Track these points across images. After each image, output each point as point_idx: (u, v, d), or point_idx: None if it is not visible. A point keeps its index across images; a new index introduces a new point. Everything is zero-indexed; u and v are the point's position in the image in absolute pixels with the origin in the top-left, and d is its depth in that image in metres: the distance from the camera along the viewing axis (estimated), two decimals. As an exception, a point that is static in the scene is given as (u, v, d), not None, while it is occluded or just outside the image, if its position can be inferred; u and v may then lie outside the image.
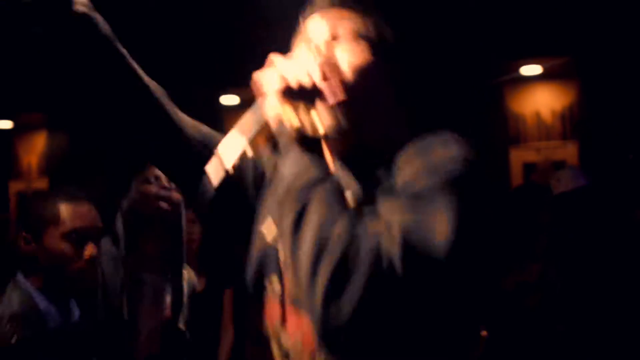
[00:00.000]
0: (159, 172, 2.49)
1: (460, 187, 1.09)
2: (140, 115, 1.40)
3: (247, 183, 1.43)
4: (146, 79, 1.40)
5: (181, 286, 2.62)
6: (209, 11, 4.90)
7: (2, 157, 7.68)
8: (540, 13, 4.68)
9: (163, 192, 2.48)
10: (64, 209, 2.00)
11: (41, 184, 7.52)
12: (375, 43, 1.34)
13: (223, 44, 5.29)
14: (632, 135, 5.01)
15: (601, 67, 5.28)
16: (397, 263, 1.00)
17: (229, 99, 6.35)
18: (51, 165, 7.38)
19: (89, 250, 2.00)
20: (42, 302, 1.95)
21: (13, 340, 1.83)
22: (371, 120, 1.29)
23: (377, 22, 1.39)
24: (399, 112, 1.38)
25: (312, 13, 1.40)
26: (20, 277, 1.98)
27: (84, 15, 1.35)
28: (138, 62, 1.46)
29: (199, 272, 3.61)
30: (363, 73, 1.28)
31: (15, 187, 7.71)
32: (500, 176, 5.57)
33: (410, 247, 1.02)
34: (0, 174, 7.59)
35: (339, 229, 1.05)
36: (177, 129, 1.38)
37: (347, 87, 1.25)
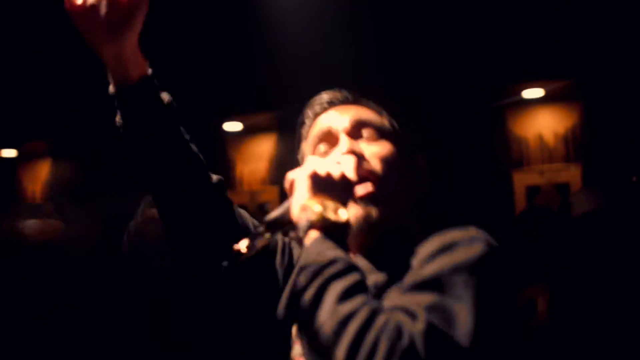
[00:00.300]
0: None
1: (480, 279, 1.14)
2: (185, 185, 1.41)
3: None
4: (194, 149, 1.45)
5: None
6: (213, 38, 4.94)
7: (7, 186, 7.69)
8: (541, 36, 4.70)
9: None
10: None
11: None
12: (394, 136, 1.43)
13: (226, 71, 5.32)
14: (635, 157, 5.01)
15: (603, 89, 5.29)
16: (419, 344, 1.03)
17: (232, 126, 6.36)
18: (55, 192, 7.39)
19: None
20: None
21: None
22: (397, 210, 1.36)
23: (389, 117, 1.48)
24: (416, 198, 1.44)
25: (324, 110, 1.50)
26: None
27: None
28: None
29: None
30: (391, 165, 1.36)
31: (19, 215, 7.72)
32: (503, 200, 5.57)
33: (433, 329, 1.05)
34: (4, 202, 7.60)
35: (359, 305, 1.07)
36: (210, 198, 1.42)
37: (377, 179, 1.33)
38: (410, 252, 1.25)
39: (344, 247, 1.18)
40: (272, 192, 6.34)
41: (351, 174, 1.27)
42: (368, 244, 1.35)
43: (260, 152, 6.48)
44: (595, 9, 4.40)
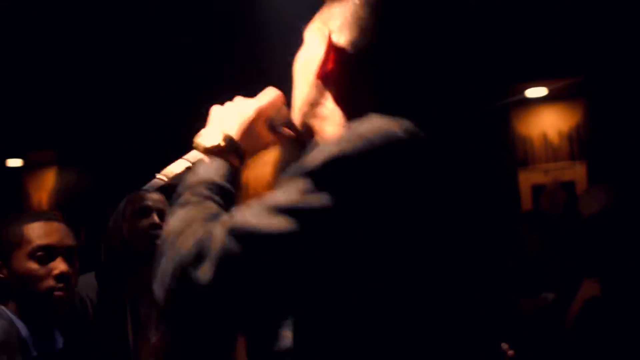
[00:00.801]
0: (150, 203, 2.49)
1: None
2: None
3: None
4: None
5: None
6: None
7: (13, 195, 7.72)
8: (544, 35, 4.70)
9: (153, 231, 2.43)
10: (28, 229, 1.96)
11: (52, 220, 7.55)
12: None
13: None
14: (640, 154, 5.00)
15: (607, 87, 5.29)
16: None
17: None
18: (61, 201, 7.41)
19: (59, 266, 1.94)
20: (23, 330, 1.90)
21: None
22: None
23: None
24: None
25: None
26: (1, 306, 1.93)
27: None
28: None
29: None
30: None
31: (26, 224, 7.74)
32: (509, 199, 5.56)
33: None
34: (11, 211, 7.62)
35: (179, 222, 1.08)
36: None
37: None
38: None
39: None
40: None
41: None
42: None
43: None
44: (598, 7, 4.40)
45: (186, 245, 1.02)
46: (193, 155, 1.29)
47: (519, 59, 5.01)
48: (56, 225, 2.01)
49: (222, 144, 1.25)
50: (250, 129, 1.29)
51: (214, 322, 1.03)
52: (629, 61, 4.90)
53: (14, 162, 7.44)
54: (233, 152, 1.25)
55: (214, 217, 1.07)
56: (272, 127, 1.32)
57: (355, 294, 1.06)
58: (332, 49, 1.23)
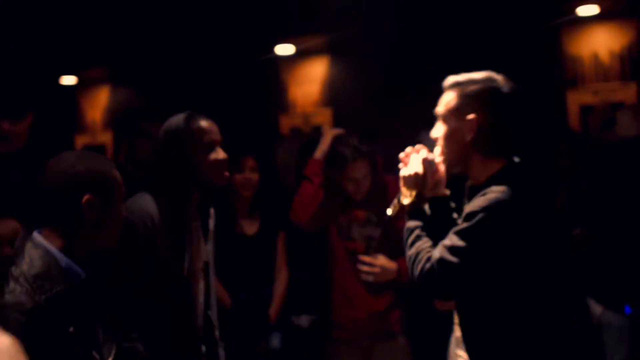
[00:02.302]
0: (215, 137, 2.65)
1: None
2: None
3: None
4: None
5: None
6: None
7: (68, 112, 7.92)
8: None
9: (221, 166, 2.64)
10: None
11: (105, 137, 7.76)
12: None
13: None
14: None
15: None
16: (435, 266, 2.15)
17: (285, 49, 6.41)
18: (115, 119, 7.59)
19: None
20: (62, 259, 1.96)
21: (43, 299, 1.85)
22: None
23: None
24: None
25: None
26: (37, 236, 1.98)
27: None
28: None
29: (251, 217, 3.79)
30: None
31: (80, 141, 7.97)
32: (557, 119, 5.55)
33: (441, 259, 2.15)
34: (66, 128, 7.85)
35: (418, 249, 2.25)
36: None
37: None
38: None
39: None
40: (325, 115, 6.42)
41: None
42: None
43: (313, 74, 6.54)
44: None
45: (421, 262, 2.17)
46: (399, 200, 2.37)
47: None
48: None
49: (416, 201, 2.31)
50: (429, 181, 2.29)
51: (439, 293, 2.35)
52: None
53: (69, 80, 7.60)
54: (424, 202, 2.31)
55: (426, 248, 2.21)
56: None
57: (501, 287, 2.15)
58: (472, 125, 2.19)
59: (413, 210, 2.31)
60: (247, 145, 3.92)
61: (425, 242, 2.21)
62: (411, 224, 2.29)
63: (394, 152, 4.94)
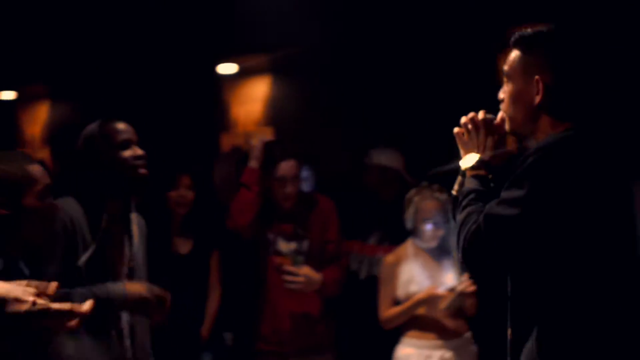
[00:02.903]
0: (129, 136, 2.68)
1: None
2: None
3: None
4: None
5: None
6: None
7: (6, 128, 7.79)
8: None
9: (136, 162, 2.66)
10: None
11: (44, 153, 7.65)
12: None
13: (220, 13, 5.37)
14: None
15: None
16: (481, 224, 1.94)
17: (227, 68, 6.43)
18: (54, 135, 7.49)
19: None
20: None
21: None
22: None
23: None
24: None
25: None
26: None
27: None
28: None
29: (184, 235, 3.81)
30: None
31: (19, 157, 7.82)
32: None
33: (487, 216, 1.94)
34: (4, 144, 7.72)
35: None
36: None
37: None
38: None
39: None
40: (266, 134, 6.44)
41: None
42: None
43: (255, 94, 6.56)
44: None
45: (469, 224, 1.95)
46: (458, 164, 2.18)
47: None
48: None
49: (477, 165, 2.12)
50: (490, 147, 2.14)
51: (482, 258, 1.97)
52: None
53: (8, 95, 7.49)
54: (483, 167, 2.12)
55: (479, 210, 1.96)
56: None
57: (552, 253, 1.89)
58: (539, 86, 1.99)
59: (473, 176, 2.12)
60: (183, 163, 3.93)
61: (478, 207, 1.99)
62: (469, 186, 2.09)
63: (333, 170, 5.01)
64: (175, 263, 3.72)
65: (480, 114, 2.18)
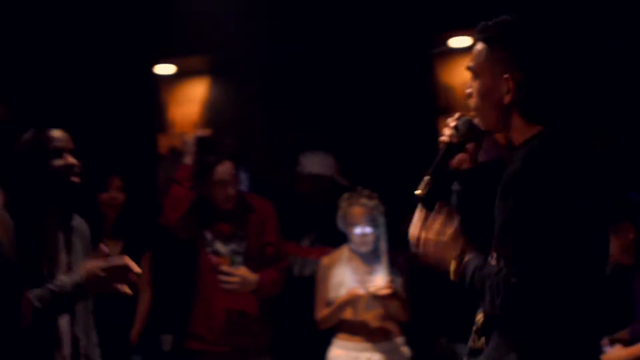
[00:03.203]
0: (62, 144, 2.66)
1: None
2: None
3: None
4: None
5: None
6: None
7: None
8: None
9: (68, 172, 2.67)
10: None
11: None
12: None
13: (159, 13, 5.33)
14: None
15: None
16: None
17: (165, 69, 6.37)
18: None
19: None
20: None
21: None
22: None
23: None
24: None
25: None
26: None
27: None
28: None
29: (115, 237, 3.76)
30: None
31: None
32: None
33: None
34: None
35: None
36: None
37: None
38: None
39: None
40: (201, 130, 6.38)
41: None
42: None
43: (193, 95, 6.51)
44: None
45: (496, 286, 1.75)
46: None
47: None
48: None
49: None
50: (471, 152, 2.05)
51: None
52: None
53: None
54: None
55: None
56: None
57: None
58: (510, 84, 1.85)
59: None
60: (115, 165, 3.89)
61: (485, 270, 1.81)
62: (467, 266, 1.87)
63: (270, 172, 5.01)
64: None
65: (455, 117, 2.06)
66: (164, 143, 6.53)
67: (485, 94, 1.90)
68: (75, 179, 2.69)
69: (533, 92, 1.86)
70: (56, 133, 2.70)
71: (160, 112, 6.56)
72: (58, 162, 2.64)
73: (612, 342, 3.52)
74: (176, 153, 6.13)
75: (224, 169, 3.67)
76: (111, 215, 3.74)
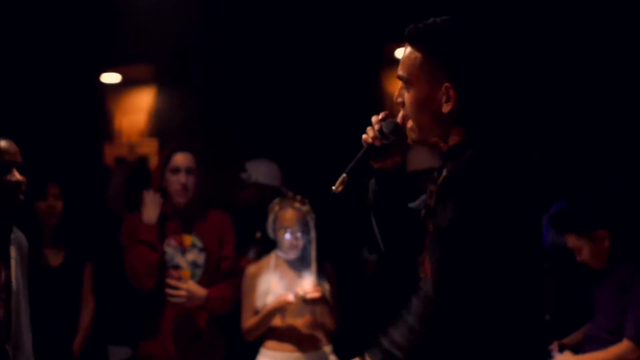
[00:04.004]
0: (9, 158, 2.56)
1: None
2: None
3: None
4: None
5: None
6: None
7: None
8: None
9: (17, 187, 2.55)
10: None
11: None
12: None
13: (103, 23, 5.29)
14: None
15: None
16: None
17: (111, 77, 6.32)
18: None
19: None
20: None
21: None
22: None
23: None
24: None
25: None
26: None
27: None
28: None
29: (55, 246, 3.70)
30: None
31: None
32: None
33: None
34: None
35: None
36: None
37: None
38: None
39: None
40: (150, 145, 6.35)
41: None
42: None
43: (139, 104, 6.47)
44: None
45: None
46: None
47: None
48: None
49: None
50: None
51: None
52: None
53: None
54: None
55: None
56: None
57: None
58: (451, 94, 1.76)
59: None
60: (54, 173, 3.83)
61: None
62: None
63: (220, 181, 4.98)
64: (46, 276, 3.61)
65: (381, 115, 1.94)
66: (109, 152, 6.47)
67: (421, 103, 1.80)
68: (18, 197, 2.56)
69: (474, 101, 1.78)
70: (4, 144, 2.55)
71: (106, 121, 6.50)
72: (6, 178, 2.51)
73: (562, 348, 3.55)
74: (123, 163, 6.10)
75: (179, 157, 3.59)
76: (50, 224, 3.68)
